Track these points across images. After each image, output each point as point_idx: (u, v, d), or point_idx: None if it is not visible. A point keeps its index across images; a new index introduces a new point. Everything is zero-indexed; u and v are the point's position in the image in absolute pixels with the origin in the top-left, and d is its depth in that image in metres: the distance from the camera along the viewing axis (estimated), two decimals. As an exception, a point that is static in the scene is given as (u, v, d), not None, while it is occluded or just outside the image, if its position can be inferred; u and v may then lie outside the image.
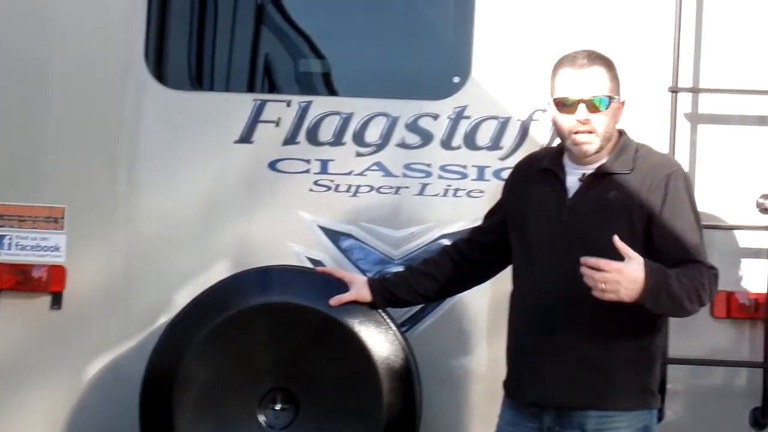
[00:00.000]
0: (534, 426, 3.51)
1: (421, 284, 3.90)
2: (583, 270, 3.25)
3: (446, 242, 4.04)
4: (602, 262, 3.22)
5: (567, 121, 3.48)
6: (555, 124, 3.56)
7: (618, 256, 3.28)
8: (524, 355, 3.57)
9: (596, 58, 3.51)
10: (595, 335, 3.42)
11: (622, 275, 3.22)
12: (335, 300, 3.96)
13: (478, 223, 3.98)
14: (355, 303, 3.99)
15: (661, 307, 3.32)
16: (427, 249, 4.39)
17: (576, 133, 3.47)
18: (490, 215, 3.88)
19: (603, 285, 3.23)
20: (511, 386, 3.62)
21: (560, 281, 3.45)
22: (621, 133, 3.59)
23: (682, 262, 3.38)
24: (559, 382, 3.46)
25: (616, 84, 3.52)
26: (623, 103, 3.54)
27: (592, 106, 3.45)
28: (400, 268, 4.10)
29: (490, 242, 3.82)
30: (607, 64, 3.52)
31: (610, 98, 3.46)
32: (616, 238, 3.25)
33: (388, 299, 3.95)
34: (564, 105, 3.48)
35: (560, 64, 3.54)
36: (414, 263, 4.06)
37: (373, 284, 3.97)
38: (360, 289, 3.96)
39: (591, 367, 3.43)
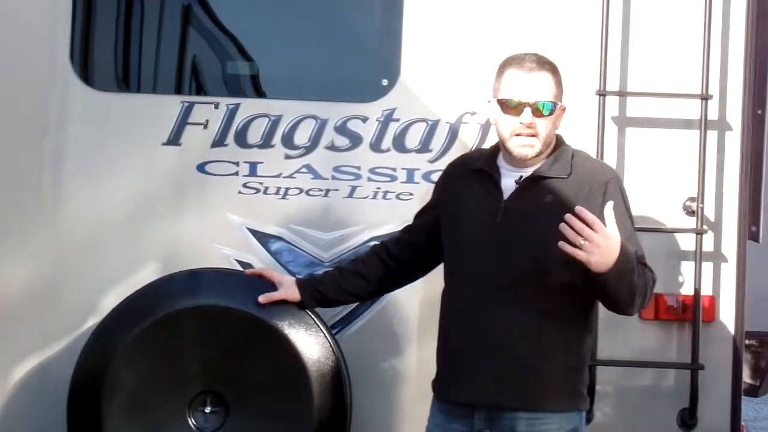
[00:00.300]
0: (464, 428, 3.56)
1: (351, 283, 3.93)
2: (571, 219, 3.27)
3: (376, 243, 4.11)
4: (596, 222, 3.27)
5: (510, 123, 3.53)
6: (496, 124, 3.61)
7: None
8: (455, 355, 3.62)
9: (544, 63, 3.57)
10: (526, 337, 3.48)
11: (607, 241, 3.28)
12: (264, 298, 3.99)
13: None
14: (284, 302, 4.02)
15: (618, 290, 3.38)
16: (357, 251, 4.40)
17: (518, 135, 3.52)
18: (421, 214, 3.92)
19: (583, 241, 3.27)
20: (441, 387, 3.67)
21: (492, 282, 3.51)
22: (557, 138, 3.65)
23: None
24: (489, 382, 3.50)
25: (560, 90, 3.59)
26: (564, 109, 3.62)
27: (537, 111, 3.51)
28: (330, 269, 4.14)
29: (420, 241, 3.86)
30: (553, 69, 3.58)
31: (555, 104, 3.53)
32: (579, 208, 3.29)
33: (317, 299, 3.98)
34: (508, 106, 3.53)
35: (507, 64, 3.59)
36: (343, 263, 4.10)
37: (301, 284, 3.99)
38: (288, 289, 3.99)
39: (522, 368, 3.47)
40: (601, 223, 3.28)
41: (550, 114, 3.53)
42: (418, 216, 3.95)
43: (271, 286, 4.05)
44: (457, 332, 3.63)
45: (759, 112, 4.67)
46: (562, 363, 3.52)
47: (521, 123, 3.51)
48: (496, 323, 3.51)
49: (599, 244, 3.27)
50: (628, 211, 3.60)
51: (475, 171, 3.66)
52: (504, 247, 3.52)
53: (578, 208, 3.28)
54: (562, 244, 3.28)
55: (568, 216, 3.27)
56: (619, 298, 3.44)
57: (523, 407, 3.50)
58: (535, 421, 3.49)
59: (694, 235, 4.44)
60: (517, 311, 3.49)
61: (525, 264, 3.50)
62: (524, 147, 3.53)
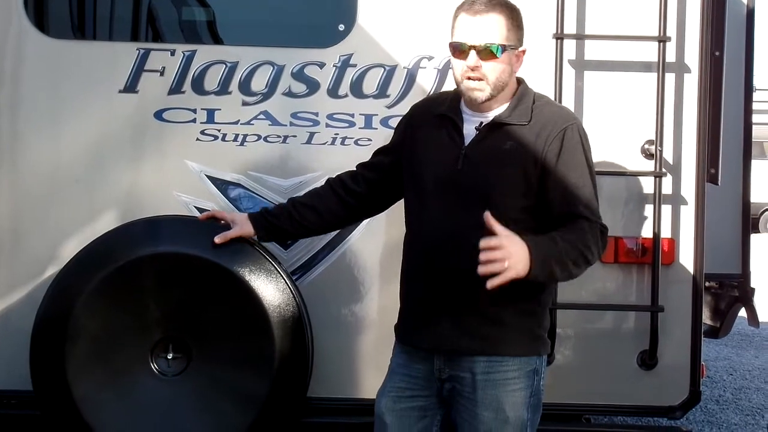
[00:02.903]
0: (425, 369, 3.81)
1: (304, 216, 4.13)
2: (485, 256, 3.50)
3: (331, 176, 4.20)
4: (492, 241, 3.50)
5: (459, 66, 3.75)
6: (452, 67, 3.84)
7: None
8: (414, 300, 3.87)
9: (496, 5, 3.73)
10: (481, 283, 3.61)
11: (511, 242, 3.52)
12: (219, 238, 4.25)
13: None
14: (241, 242, 4.30)
15: (553, 273, 3.62)
16: None
17: (468, 78, 3.73)
18: (380, 153, 4.13)
19: (507, 261, 3.50)
20: (402, 332, 3.92)
21: (451, 228, 3.75)
22: (520, 82, 3.84)
23: (570, 215, 3.68)
24: (448, 327, 3.75)
25: (516, 32, 3.75)
26: (523, 52, 3.78)
27: (484, 54, 3.69)
28: (284, 202, 4.29)
29: (377, 180, 4.08)
30: (508, 12, 3.74)
31: (503, 47, 3.70)
32: (487, 215, 3.53)
33: (272, 232, 4.20)
34: (457, 50, 3.74)
35: (459, 8, 3.77)
36: (298, 196, 4.24)
37: (254, 219, 4.21)
38: (243, 225, 4.21)
39: (480, 313, 3.71)
40: (491, 238, 3.51)
41: (500, 57, 3.69)
42: (376, 154, 4.14)
43: (228, 228, 4.28)
44: (415, 278, 3.86)
45: (717, 53, 5.01)
46: (520, 308, 3.74)
47: (467, 66, 3.72)
48: (453, 271, 3.73)
49: (510, 251, 3.50)
50: (587, 159, 3.77)
51: (438, 116, 3.86)
52: (461, 193, 3.74)
53: (481, 243, 3.50)
54: (485, 274, 3.52)
55: (482, 244, 3.51)
56: (559, 276, 3.68)
57: (482, 351, 3.73)
58: (495, 364, 3.72)
59: (653, 178, 4.76)
60: (474, 257, 3.62)
61: (481, 211, 3.64)
62: (473, 90, 3.73)
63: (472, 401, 3.73)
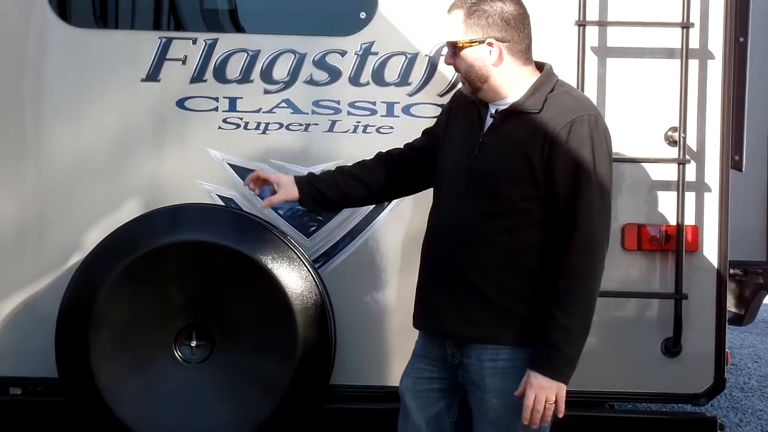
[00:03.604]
0: (441, 353, 3.90)
1: (352, 187, 4.16)
2: (531, 419, 3.65)
3: (381, 151, 4.22)
4: (527, 409, 3.63)
5: None
6: None
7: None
8: (423, 287, 3.96)
9: (458, 0, 3.79)
10: (492, 272, 3.75)
11: (542, 391, 3.63)
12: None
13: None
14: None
15: (582, 345, 3.73)
16: None
17: None
18: (424, 135, 4.19)
19: (548, 411, 3.65)
20: (414, 317, 4.01)
21: (461, 216, 3.80)
22: (541, 69, 3.86)
23: (567, 221, 3.67)
24: (453, 316, 3.82)
25: (478, 26, 3.74)
26: (492, 44, 3.72)
27: (452, 51, 3.81)
28: (331, 169, 4.31)
29: (419, 161, 4.13)
30: (468, 5, 3.76)
31: (461, 44, 3.75)
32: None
33: (316, 198, 4.18)
34: None
35: None
36: (346, 166, 4.23)
37: (300, 182, 4.18)
38: (288, 189, 4.16)
39: (485, 302, 3.76)
40: (527, 405, 3.64)
41: (456, 54, 3.77)
42: (423, 134, 4.20)
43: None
44: (426, 264, 3.95)
45: (741, 39, 5.00)
46: (528, 298, 3.77)
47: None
48: (459, 258, 3.79)
49: (542, 399, 3.63)
50: (594, 154, 3.70)
51: (469, 103, 3.92)
52: (475, 180, 3.79)
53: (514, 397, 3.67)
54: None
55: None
56: (587, 327, 3.76)
57: (488, 340, 3.78)
58: (502, 353, 3.77)
59: (677, 165, 4.78)
60: (480, 246, 3.76)
61: (493, 198, 3.75)
62: (462, 85, 3.88)
63: (481, 388, 3.80)
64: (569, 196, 3.69)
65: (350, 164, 4.23)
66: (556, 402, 3.67)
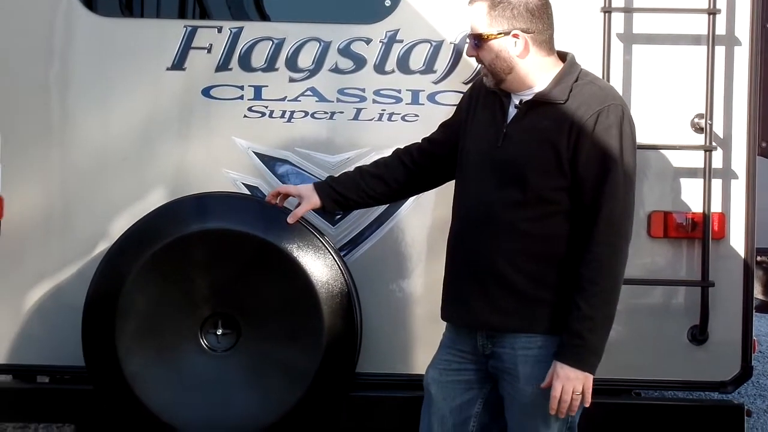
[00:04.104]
0: (471, 344, 3.92)
1: (372, 186, 4.21)
2: (558, 409, 3.69)
3: (399, 147, 4.27)
4: (554, 400, 3.67)
5: None
6: None
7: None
8: (451, 277, 3.98)
9: None
10: (520, 262, 3.77)
11: (569, 381, 3.67)
12: (291, 218, 4.29)
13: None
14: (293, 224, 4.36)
15: (607, 334, 3.76)
16: None
17: None
18: (443, 127, 4.21)
19: (575, 401, 3.68)
20: (442, 309, 4.03)
21: (485, 205, 3.82)
22: (565, 59, 3.88)
23: (591, 212, 3.70)
24: (482, 306, 3.84)
25: (500, 19, 3.76)
26: (518, 35, 3.75)
27: (474, 43, 3.82)
28: (349, 170, 4.36)
29: (438, 154, 4.16)
30: None
31: (486, 36, 3.77)
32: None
33: (338, 201, 4.25)
34: None
35: None
36: (364, 165, 4.31)
37: (320, 188, 4.25)
38: (310, 199, 4.24)
39: (515, 291, 3.78)
40: (554, 395, 3.68)
41: (480, 46, 3.79)
42: (440, 127, 4.23)
43: (282, 211, 4.40)
44: (453, 256, 3.98)
45: (767, 25, 5.04)
46: (558, 285, 3.78)
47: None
48: (487, 248, 3.81)
49: (569, 389, 3.67)
50: (622, 144, 3.71)
51: (490, 92, 3.93)
52: (498, 171, 3.81)
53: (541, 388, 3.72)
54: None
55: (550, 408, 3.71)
56: (612, 316, 3.79)
57: (519, 329, 3.81)
58: (534, 341, 3.80)
59: (703, 152, 4.78)
60: (508, 236, 3.78)
61: (519, 189, 3.77)
62: (484, 77, 3.89)
63: (515, 377, 3.82)
64: (594, 186, 3.71)
65: (368, 163, 4.29)
66: (582, 392, 3.70)
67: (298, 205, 4.26)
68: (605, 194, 3.70)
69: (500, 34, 3.77)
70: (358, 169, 4.28)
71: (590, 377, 3.71)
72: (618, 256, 3.75)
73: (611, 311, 3.76)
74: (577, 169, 3.72)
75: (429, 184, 4.32)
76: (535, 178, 3.75)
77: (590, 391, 3.71)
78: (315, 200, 4.24)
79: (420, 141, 4.25)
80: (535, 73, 3.82)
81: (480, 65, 3.89)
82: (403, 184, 4.24)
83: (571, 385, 3.68)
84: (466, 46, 3.98)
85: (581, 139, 3.71)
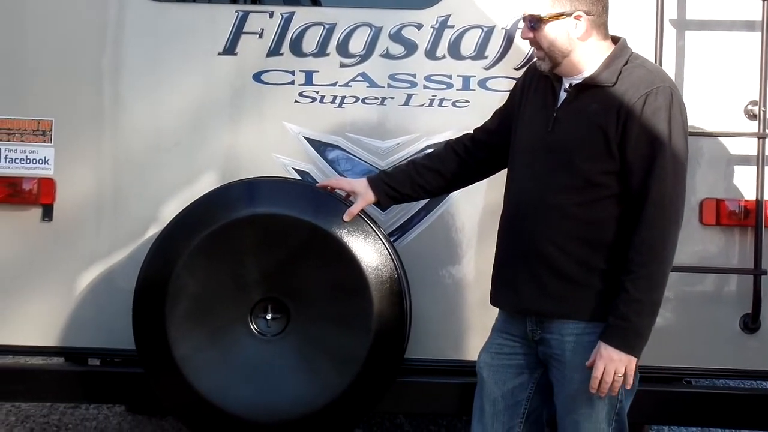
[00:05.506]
0: (521, 329, 3.99)
1: (426, 179, 4.29)
2: (598, 389, 3.73)
3: (451, 138, 4.38)
4: (595, 380, 3.71)
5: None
6: None
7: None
8: (502, 263, 4.05)
9: None
10: (570, 247, 3.83)
11: (611, 363, 3.70)
12: (347, 216, 4.40)
13: (465, 132, 4.40)
14: (338, 201, 4.44)
15: (653, 318, 3.80)
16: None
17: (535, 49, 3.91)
18: (496, 115, 4.26)
19: (616, 383, 3.73)
20: (493, 294, 4.11)
21: (538, 191, 3.88)
22: (615, 42, 3.93)
23: (640, 196, 3.73)
24: (531, 291, 3.91)
25: (563, 1, 3.81)
26: (579, 16, 3.81)
27: (532, 25, 3.83)
28: (402, 164, 4.45)
29: (493, 143, 4.21)
30: None
31: (546, 18, 3.79)
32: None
33: (392, 196, 4.35)
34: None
35: None
36: (417, 158, 4.42)
37: (374, 183, 4.35)
38: (365, 194, 4.36)
39: (566, 278, 3.84)
40: (595, 375, 3.72)
41: (540, 28, 3.81)
42: (493, 116, 4.27)
43: (331, 196, 4.47)
44: (503, 241, 4.04)
45: None
46: (607, 273, 3.83)
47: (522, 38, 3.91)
48: (537, 233, 3.87)
49: (611, 370, 3.71)
50: (670, 127, 3.77)
51: (542, 77, 3.99)
52: (551, 155, 3.86)
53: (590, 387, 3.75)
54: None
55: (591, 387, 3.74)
56: (656, 309, 3.84)
57: (569, 315, 3.87)
58: (583, 327, 3.86)
59: (756, 139, 4.77)
60: (557, 221, 3.83)
61: (569, 173, 3.82)
62: (537, 61, 3.90)
63: (563, 363, 3.87)
64: (643, 169, 3.74)
65: (420, 156, 4.37)
66: (625, 374, 3.72)
67: (347, 196, 4.35)
68: (654, 178, 3.73)
69: (562, 15, 3.80)
70: (411, 162, 4.34)
71: (634, 360, 3.74)
72: (667, 240, 3.77)
73: (659, 296, 3.79)
74: (626, 153, 3.75)
75: (483, 174, 4.36)
76: (584, 161, 3.79)
77: (632, 374, 3.76)
78: (370, 196, 4.34)
79: (472, 131, 4.30)
80: (590, 56, 3.86)
81: (534, 49, 3.90)
82: (458, 175, 4.30)
83: (614, 366, 3.71)
84: (521, 29, 4.00)
85: (629, 121, 3.75)
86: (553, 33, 3.83)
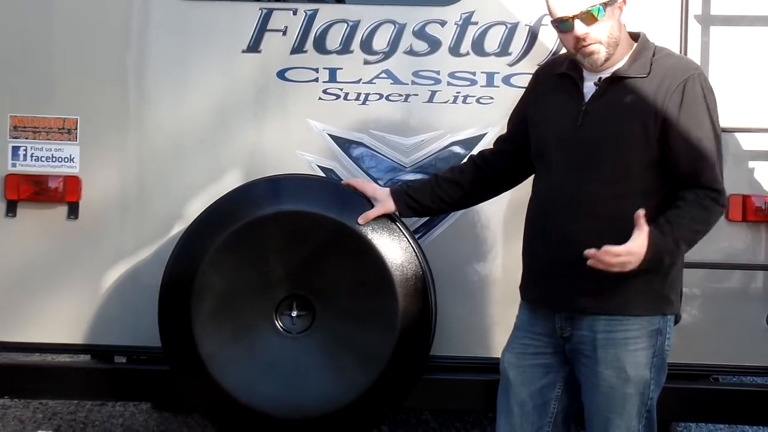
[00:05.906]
0: (548, 327, 3.96)
1: (448, 192, 4.29)
2: (592, 260, 3.68)
3: (473, 153, 4.41)
4: (610, 253, 3.65)
5: (568, 40, 3.85)
6: (562, 42, 3.97)
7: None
8: (534, 259, 4.02)
9: None
10: (601, 241, 3.73)
11: (632, 255, 3.67)
12: (362, 218, 4.43)
13: (489, 129, 4.46)
14: (363, 197, 4.46)
15: (665, 263, 3.77)
16: (438, 156, 4.83)
17: (582, 47, 3.81)
18: (511, 122, 4.25)
19: (617, 268, 3.68)
20: (523, 290, 4.08)
21: (570, 186, 3.86)
22: (638, 35, 3.94)
23: (689, 178, 3.75)
24: (565, 287, 3.88)
25: None
26: (623, 5, 3.84)
27: (587, 18, 3.77)
28: (419, 176, 4.51)
29: (515, 151, 4.19)
30: None
31: (603, 5, 3.76)
32: (639, 214, 3.65)
33: (413, 207, 4.37)
34: (560, 27, 3.84)
35: None
36: (440, 172, 4.42)
37: (396, 194, 4.39)
38: (385, 203, 4.40)
39: (599, 273, 3.75)
40: (613, 251, 3.65)
41: (603, 16, 3.76)
42: (509, 124, 4.26)
43: (356, 193, 4.48)
44: (536, 237, 4.00)
45: None
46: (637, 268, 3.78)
47: (576, 37, 3.79)
48: (571, 228, 3.84)
49: (627, 261, 3.66)
50: (710, 112, 3.82)
51: (560, 75, 3.98)
52: (583, 149, 3.84)
53: (586, 252, 3.67)
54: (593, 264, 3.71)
55: (586, 253, 3.68)
56: (674, 260, 3.84)
57: (601, 311, 3.84)
58: (615, 323, 3.84)
59: (783, 134, 4.75)
60: (594, 215, 3.81)
61: (603, 166, 3.81)
62: (591, 55, 3.81)
63: (593, 360, 3.85)
64: (691, 155, 3.76)
65: (444, 170, 4.40)
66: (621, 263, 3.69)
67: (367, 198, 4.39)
68: (704, 164, 3.77)
69: (615, 1, 3.81)
70: (435, 175, 4.37)
71: (641, 261, 3.69)
72: (711, 216, 3.80)
73: (694, 236, 3.79)
74: (668, 142, 3.76)
75: (505, 185, 4.37)
76: (621, 154, 3.79)
77: (626, 266, 3.69)
78: (390, 205, 4.39)
79: (492, 145, 4.32)
80: (622, 48, 3.87)
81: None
82: (477, 186, 4.30)
83: (627, 260, 3.68)
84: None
85: (669, 111, 3.75)
86: (609, 20, 3.80)
